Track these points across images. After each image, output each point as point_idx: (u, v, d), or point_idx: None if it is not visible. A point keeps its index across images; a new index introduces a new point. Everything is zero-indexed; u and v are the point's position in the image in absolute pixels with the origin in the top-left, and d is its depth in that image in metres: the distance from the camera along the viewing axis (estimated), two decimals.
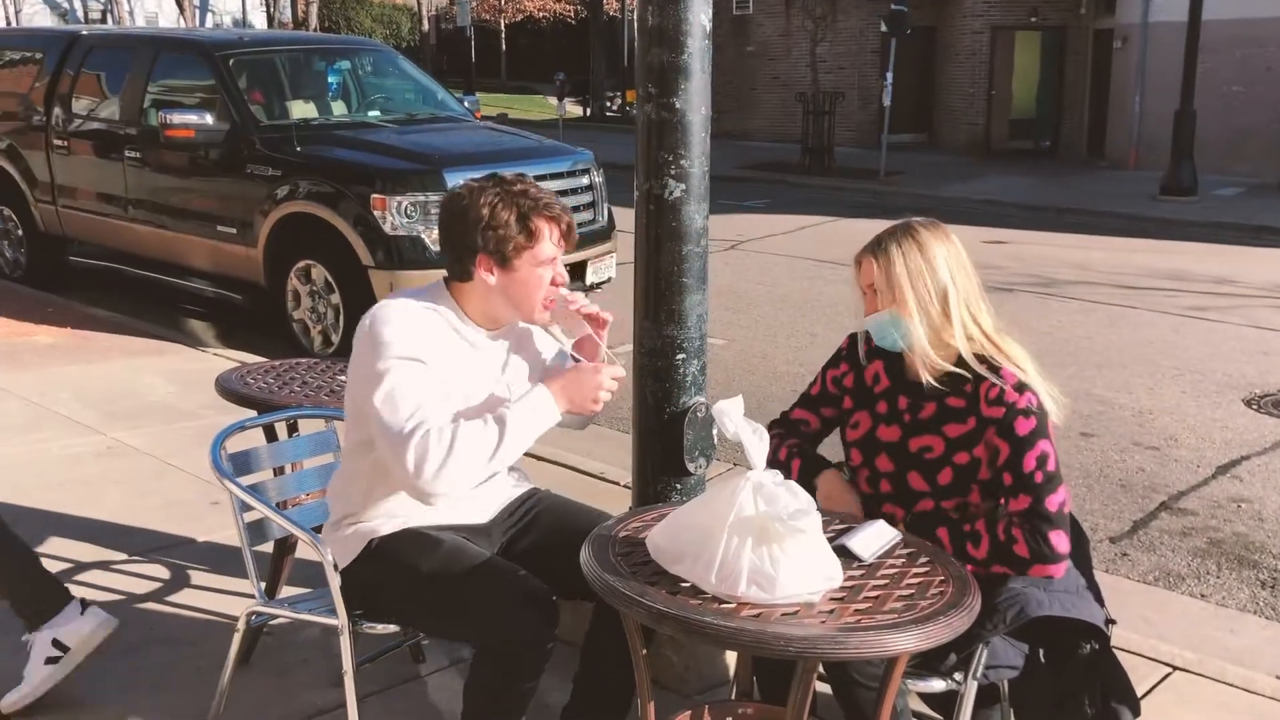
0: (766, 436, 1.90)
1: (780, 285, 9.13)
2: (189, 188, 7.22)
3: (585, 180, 7.04)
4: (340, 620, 2.34)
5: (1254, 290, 9.31)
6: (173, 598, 3.54)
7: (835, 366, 2.58)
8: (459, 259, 2.35)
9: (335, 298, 6.49)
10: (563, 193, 6.77)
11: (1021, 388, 2.28)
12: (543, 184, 6.96)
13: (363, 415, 2.29)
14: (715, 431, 3.12)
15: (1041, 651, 2.30)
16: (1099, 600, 2.35)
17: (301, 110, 7.49)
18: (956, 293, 2.31)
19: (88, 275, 8.32)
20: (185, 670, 3.08)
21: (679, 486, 3.10)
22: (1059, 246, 11.28)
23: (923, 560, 2.04)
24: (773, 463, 2.03)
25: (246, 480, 2.70)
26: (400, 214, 6.18)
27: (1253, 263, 10.54)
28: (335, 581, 2.33)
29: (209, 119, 6.91)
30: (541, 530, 2.54)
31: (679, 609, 1.77)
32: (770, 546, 1.78)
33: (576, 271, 6.80)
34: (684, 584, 1.85)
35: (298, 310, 6.72)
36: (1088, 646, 2.27)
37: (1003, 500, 2.28)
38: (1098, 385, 6.45)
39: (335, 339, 6.48)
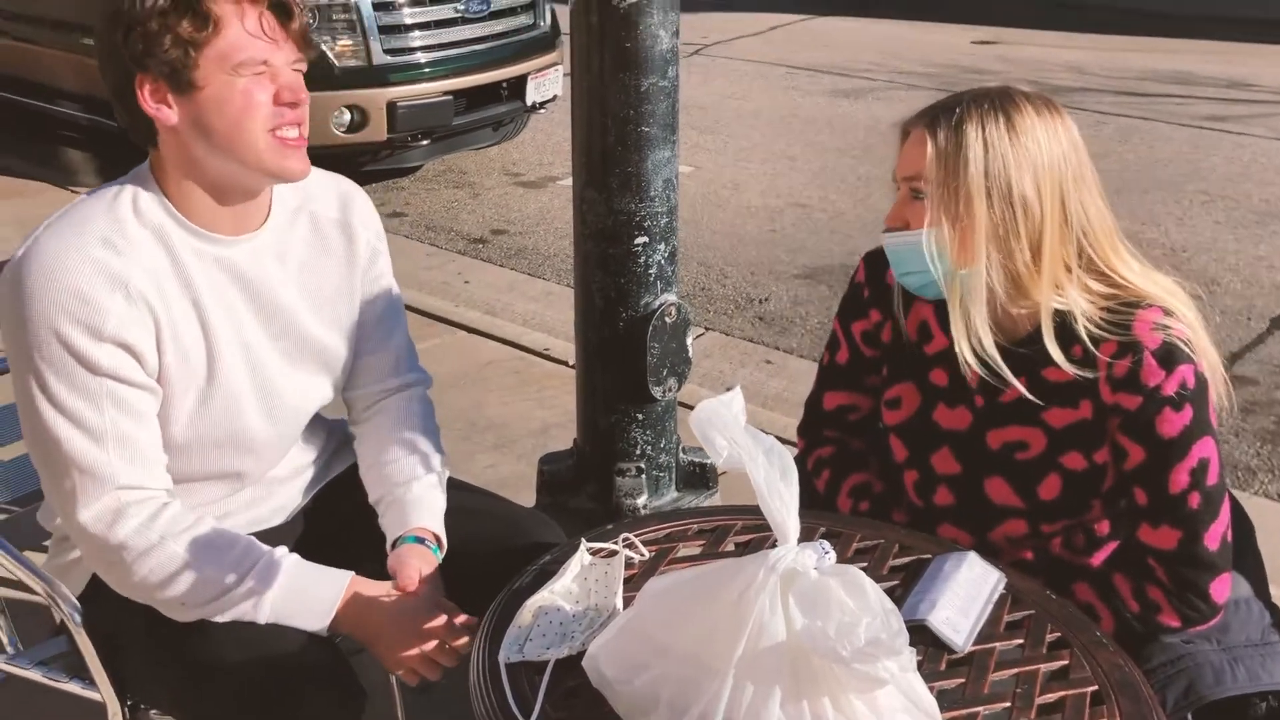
0: (794, 472, 1.02)
1: (751, 98, 8.07)
2: None
3: None
4: (107, 699, 1.48)
5: (1272, 95, 8.40)
6: None
7: (861, 315, 1.67)
8: (120, 97, 1.40)
9: None
10: None
11: (1170, 355, 1.41)
12: None
13: None
14: (690, 341, 2.25)
15: (1190, 715, 1.52)
16: None
17: None
18: (1062, 223, 1.43)
19: None
20: None
21: (641, 418, 2.25)
22: (1050, 46, 10.25)
23: (1053, 639, 1.22)
24: (806, 498, 1.16)
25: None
26: None
27: (1263, 62, 9.58)
28: (85, 643, 1.46)
29: None
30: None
31: None
32: (817, 702, 0.94)
33: (515, 90, 5.74)
34: None
35: None
36: (1263, 705, 1.50)
37: (1127, 525, 1.49)
38: (1120, 216, 5.32)
39: None
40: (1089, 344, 1.45)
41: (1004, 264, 1.44)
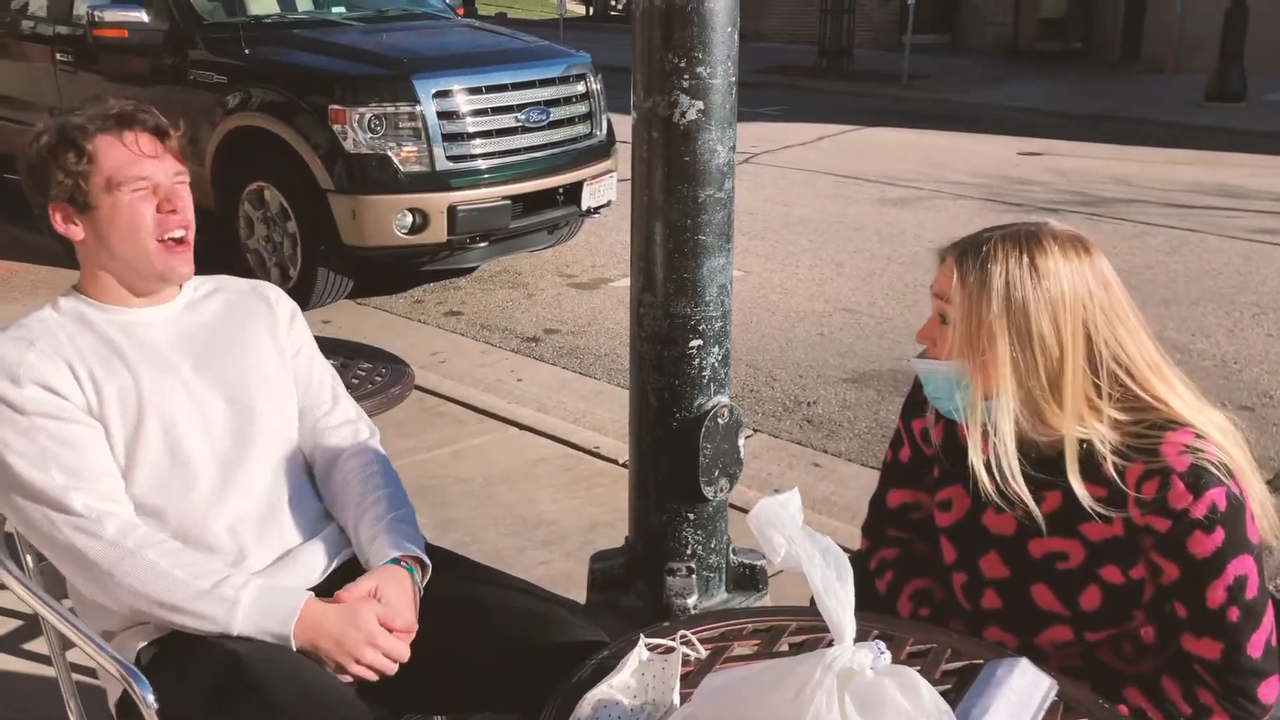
0: (850, 572, 1.07)
1: (800, 204, 8.23)
2: (127, 97, 6.29)
3: (581, 88, 6.10)
4: None
5: None
6: None
7: (919, 413, 1.72)
8: (44, 224, 1.74)
9: (292, 225, 5.64)
10: (554, 102, 5.85)
11: (1199, 479, 1.42)
12: (531, 92, 6.07)
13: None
14: (742, 442, 2.30)
15: None
16: None
17: (257, 5, 6.52)
18: (1084, 360, 1.46)
19: (20, 195, 7.41)
20: None
21: (692, 518, 2.29)
22: (1098, 158, 10.34)
23: None
24: (867, 598, 1.20)
25: None
26: (363, 129, 5.30)
27: None
28: None
29: (144, 16, 5.97)
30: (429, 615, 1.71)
31: None
32: None
33: (571, 195, 5.91)
34: None
35: (251, 239, 5.87)
36: None
37: (1170, 632, 1.50)
38: (1169, 327, 5.60)
39: (294, 273, 5.64)
40: (1114, 470, 1.46)
41: (1025, 398, 1.47)
